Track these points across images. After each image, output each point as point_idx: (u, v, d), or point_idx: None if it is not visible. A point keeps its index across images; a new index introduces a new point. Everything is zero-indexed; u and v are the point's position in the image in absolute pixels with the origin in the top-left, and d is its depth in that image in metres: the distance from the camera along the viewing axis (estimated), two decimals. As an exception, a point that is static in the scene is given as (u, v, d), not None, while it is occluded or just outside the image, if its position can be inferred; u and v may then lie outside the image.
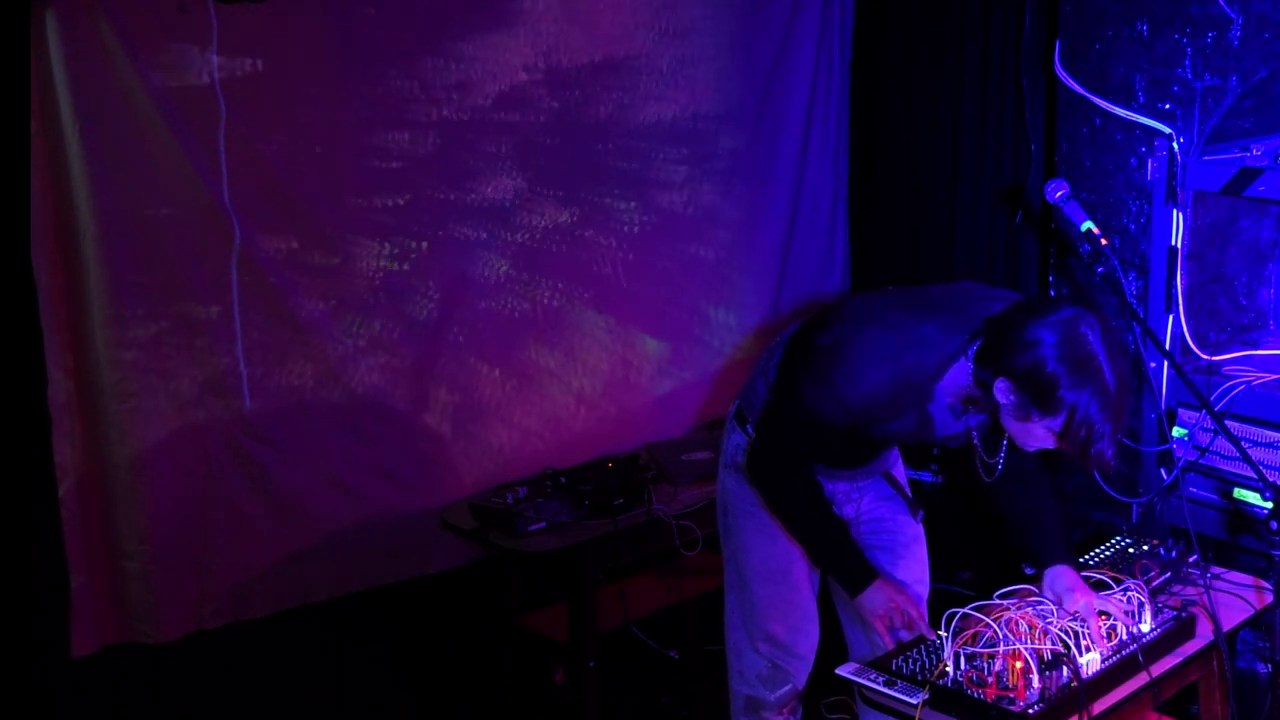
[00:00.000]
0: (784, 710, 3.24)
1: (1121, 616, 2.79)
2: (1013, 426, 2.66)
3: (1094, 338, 2.54)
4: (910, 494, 3.27)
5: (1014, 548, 3.04)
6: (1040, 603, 2.82)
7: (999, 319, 2.65)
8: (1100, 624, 2.75)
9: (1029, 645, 2.64)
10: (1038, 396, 2.55)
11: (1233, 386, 3.59)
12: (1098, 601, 2.79)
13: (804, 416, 2.81)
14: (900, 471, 3.29)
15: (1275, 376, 3.62)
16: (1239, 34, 3.69)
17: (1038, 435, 2.62)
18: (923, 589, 3.26)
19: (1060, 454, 2.66)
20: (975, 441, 2.83)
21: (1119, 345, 2.60)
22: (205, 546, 4.02)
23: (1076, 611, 2.76)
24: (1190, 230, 3.77)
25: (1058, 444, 2.60)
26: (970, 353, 2.68)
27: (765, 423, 3.02)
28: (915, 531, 3.26)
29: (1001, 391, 2.60)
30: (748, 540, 3.17)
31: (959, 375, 2.71)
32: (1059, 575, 2.85)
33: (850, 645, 3.29)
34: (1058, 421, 2.55)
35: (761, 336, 5.03)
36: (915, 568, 3.25)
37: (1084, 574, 2.93)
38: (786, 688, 3.21)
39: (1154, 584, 3.04)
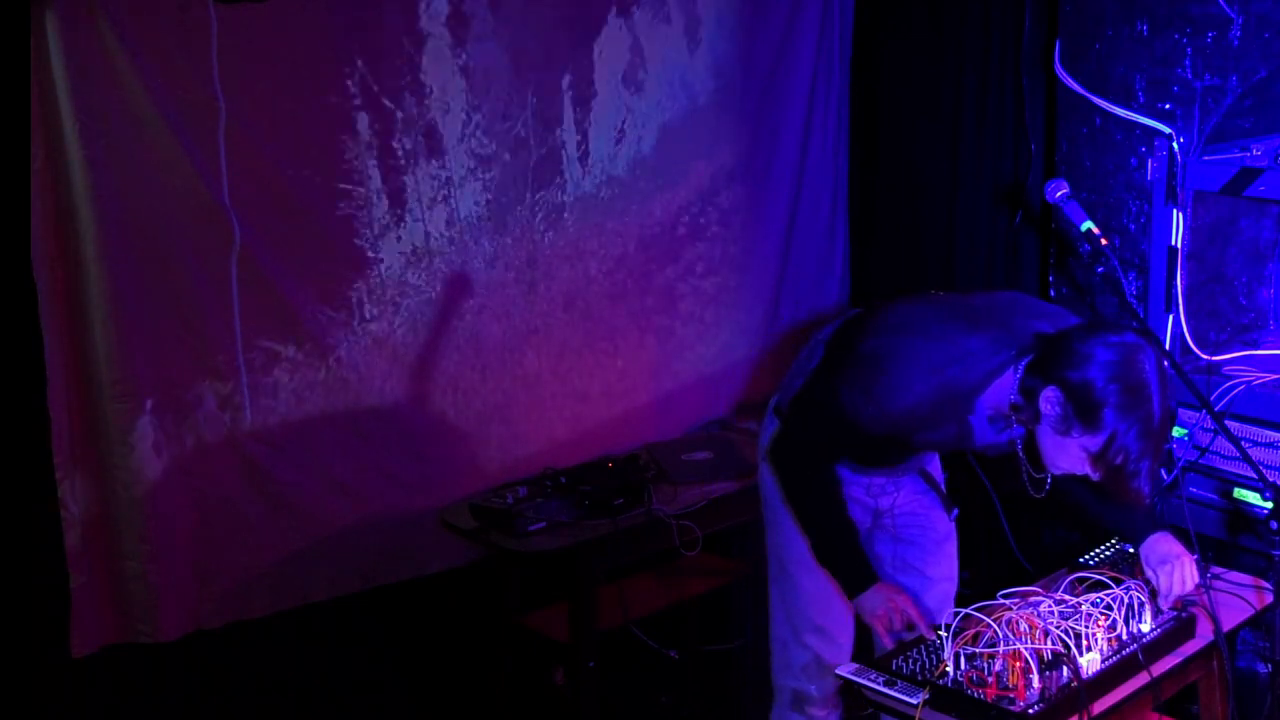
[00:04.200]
0: (827, 704, 3.24)
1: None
2: (1047, 442, 2.65)
3: (1150, 369, 2.55)
4: (945, 491, 3.27)
5: (1099, 527, 3.10)
6: (1040, 602, 2.82)
7: (1061, 333, 2.66)
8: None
9: (1029, 645, 2.64)
10: (1083, 411, 2.55)
11: (1233, 386, 3.59)
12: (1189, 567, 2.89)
13: (840, 418, 2.82)
14: (936, 468, 3.29)
15: (1275, 376, 3.62)
16: (1239, 34, 3.69)
17: (1071, 454, 2.61)
18: (950, 586, 3.27)
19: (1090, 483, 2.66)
20: (1020, 454, 2.80)
21: (1167, 383, 2.61)
22: (205, 546, 4.02)
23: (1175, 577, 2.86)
24: (1190, 230, 3.77)
25: (1091, 467, 2.60)
26: (1019, 368, 2.67)
27: (797, 416, 3.02)
28: (947, 529, 3.27)
29: (1048, 401, 2.59)
30: (791, 532, 3.16)
31: (1001, 390, 2.71)
32: (1156, 543, 2.92)
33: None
34: (1096, 441, 2.55)
35: (761, 336, 5.03)
36: (945, 564, 3.27)
37: (1083, 574, 2.93)
38: (833, 679, 3.20)
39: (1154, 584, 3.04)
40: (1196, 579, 2.90)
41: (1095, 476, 2.63)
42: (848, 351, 2.86)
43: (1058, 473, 2.70)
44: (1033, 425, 2.67)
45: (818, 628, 3.18)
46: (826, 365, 2.96)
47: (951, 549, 3.28)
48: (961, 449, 2.97)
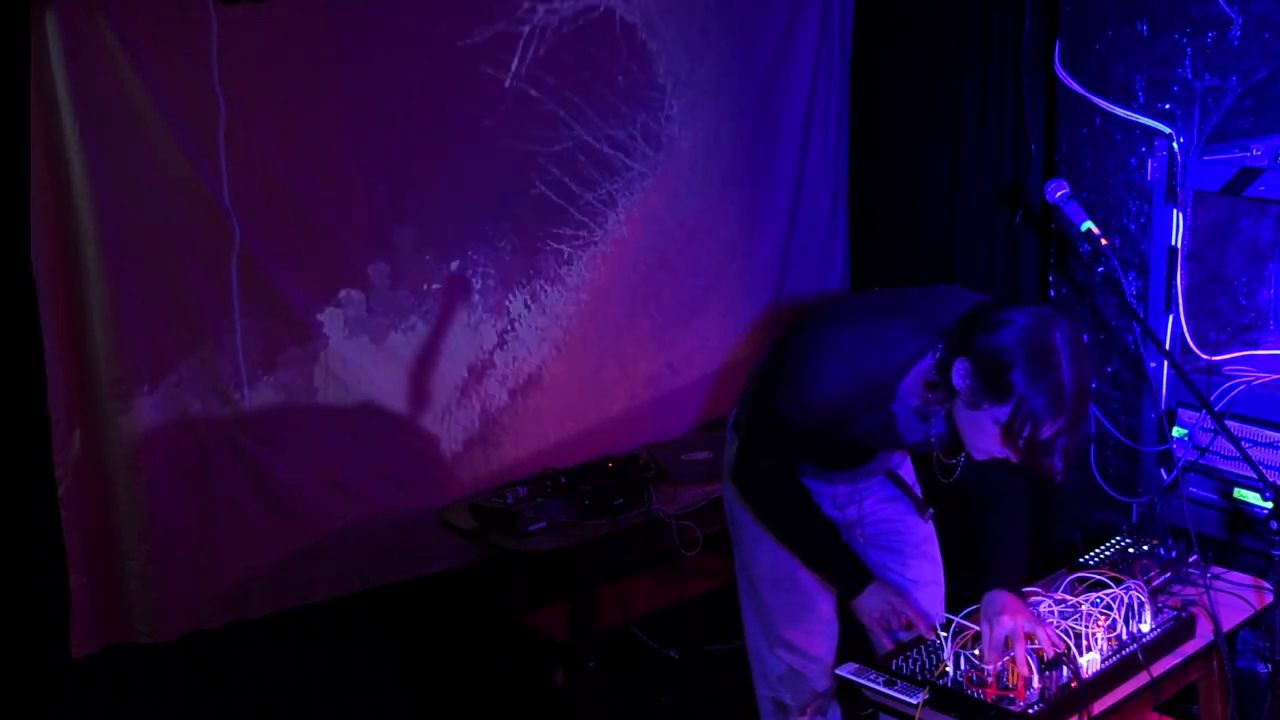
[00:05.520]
0: (808, 710, 3.23)
1: (1048, 647, 2.64)
2: (964, 420, 2.59)
3: (1061, 338, 2.49)
4: (920, 493, 3.25)
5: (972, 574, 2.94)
6: (1040, 602, 2.82)
7: (977, 307, 2.62)
8: (1025, 649, 2.61)
9: (1029, 645, 2.64)
10: (991, 379, 2.49)
11: (1233, 386, 3.59)
12: (1027, 625, 2.65)
13: (779, 421, 2.80)
14: (908, 470, 3.27)
15: (1275, 376, 3.62)
16: (1239, 34, 3.69)
17: (986, 431, 2.55)
18: (936, 589, 3.22)
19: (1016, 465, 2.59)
20: (932, 439, 2.77)
21: (1086, 358, 2.54)
22: (205, 546, 4.02)
23: (1007, 637, 2.63)
24: (1190, 230, 3.77)
25: (1003, 442, 2.53)
26: (937, 350, 2.62)
27: (747, 433, 3.01)
28: (925, 531, 3.23)
29: (959, 375, 2.54)
30: (754, 548, 3.16)
31: (923, 375, 2.67)
32: (991, 600, 2.72)
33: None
34: (1005, 411, 2.48)
35: (761, 337, 5.03)
36: (927, 568, 3.22)
37: (1083, 574, 2.93)
38: (808, 690, 3.20)
39: (1154, 584, 3.04)
40: (1023, 644, 2.63)
41: (1013, 456, 2.55)
42: (779, 351, 2.85)
43: (981, 457, 2.62)
44: (949, 403, 2.61)
45: (788, 642, 3.18)
46: (764, 368, 2.95)
47: (931, 551, 3.24)
48: (890, 444, 2.94)
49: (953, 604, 2.77)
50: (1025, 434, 2.48)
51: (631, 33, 4.53)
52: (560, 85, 4.45)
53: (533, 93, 4.41)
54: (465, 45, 4.23)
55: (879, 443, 2.94)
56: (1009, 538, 2.87)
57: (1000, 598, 2.71)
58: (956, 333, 2.59)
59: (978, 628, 2.69)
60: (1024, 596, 2.79)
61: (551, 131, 4.48)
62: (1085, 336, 2.55)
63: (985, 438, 2.57)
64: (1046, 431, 2.48)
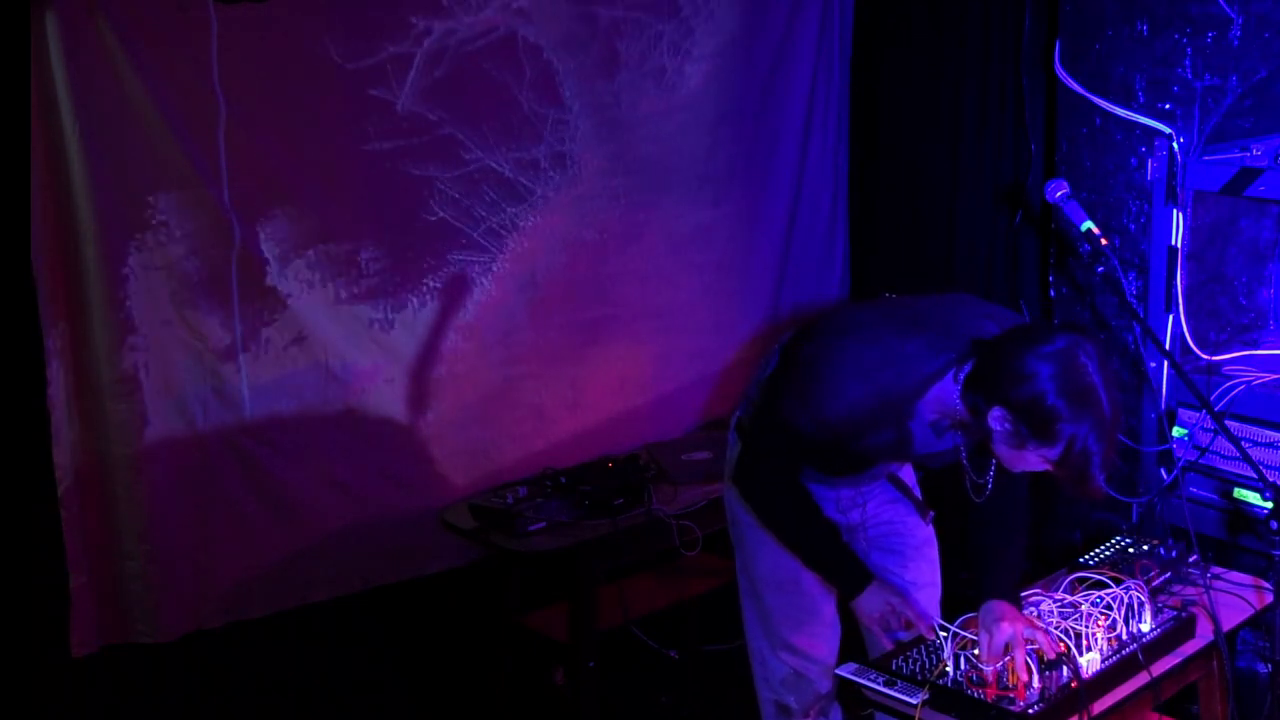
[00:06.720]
0: (811, 713, 3.23)
1: (1048, 651, 2.66)
2: (1005, 453, 2.61)
3: (1092, 368, 2.50)
4: (920, 496, 3.25)
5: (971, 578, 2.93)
6: (1040, 602, 2.82)
7: (992, 346, 2.60)
8: (1024, 654, 2.62)
9: (1029, 645, 2.64)
10: (1036, 428, 2.50)
11: (1233, 386, 3.59)
12: (1026, 631, 2.67)
13: (785, 430, 2.79)
14: (908, 474, 3.26)
15: (1275, 376, 3.62)
16: (1239, 34, 3.69)
17: (1031, 462, 2.58)
18: (934, 591, 3.22)
19: (1050, 478, 2.61)
20: (964, 461, 2.78)
21: (1112, 369, 2.57)
22: (205, 546, 4.02)
23: (1007, 643, 2.64)
24: (1190, 230, 3.77)
25: (1051, 468, 2.56)
26: (960, 375, 2.63)
27: (750, 435, 3.01)
28: (925, 534, 3.23)
29: (996, 420, 2.55)
30: (756, 550, 3.16)
31: (943, 394, 2.67)
32: (990, 609, 2.73)
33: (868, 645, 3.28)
34: (1055, 451, 2.51)
35: (761, 337, 5.03)
36: (926, 570, 3.22)
37: (1083, 574, 2.93)
38: (811, 693, 3.20)
39: (1154, 584, 3.05)
40: (1022, 648, 2.65)
41: (1057, 474, 2.58)
42: (790, 360, 2.84)
43: (1018, 471, 2.65)
44: (985, 439, 2.62)
45: (790, 645, 3.17)
46: (774, 376, 2.93)
47: (932, 554, 3.24)
48: (900, 458, 2.94)
49: (949, 604, 2.76)
50: (1079, 465, 2.51)
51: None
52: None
53: (534, 96, 4.40)
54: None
55: (890, 456, 2.95)
56: (1008, 546, 2.89)
57: (999, 606, 2.72)
58: (979, 374, 2.59)
59: (975, 636, 2.69)
60: (1021, 604, 2.80)
61: (554, 135, 4.47)
62: (1099, 347, 2.57)
63: (1028, 465, 2.60)
64: (1098, 458, 2.51)
